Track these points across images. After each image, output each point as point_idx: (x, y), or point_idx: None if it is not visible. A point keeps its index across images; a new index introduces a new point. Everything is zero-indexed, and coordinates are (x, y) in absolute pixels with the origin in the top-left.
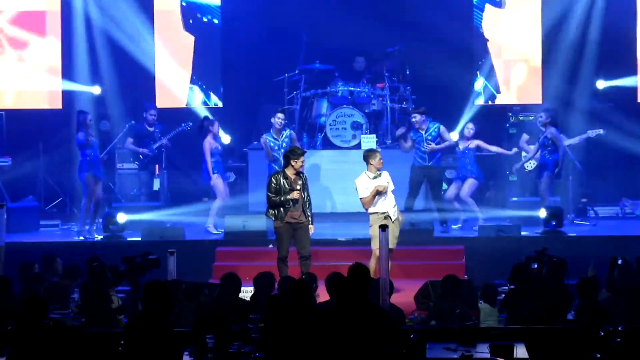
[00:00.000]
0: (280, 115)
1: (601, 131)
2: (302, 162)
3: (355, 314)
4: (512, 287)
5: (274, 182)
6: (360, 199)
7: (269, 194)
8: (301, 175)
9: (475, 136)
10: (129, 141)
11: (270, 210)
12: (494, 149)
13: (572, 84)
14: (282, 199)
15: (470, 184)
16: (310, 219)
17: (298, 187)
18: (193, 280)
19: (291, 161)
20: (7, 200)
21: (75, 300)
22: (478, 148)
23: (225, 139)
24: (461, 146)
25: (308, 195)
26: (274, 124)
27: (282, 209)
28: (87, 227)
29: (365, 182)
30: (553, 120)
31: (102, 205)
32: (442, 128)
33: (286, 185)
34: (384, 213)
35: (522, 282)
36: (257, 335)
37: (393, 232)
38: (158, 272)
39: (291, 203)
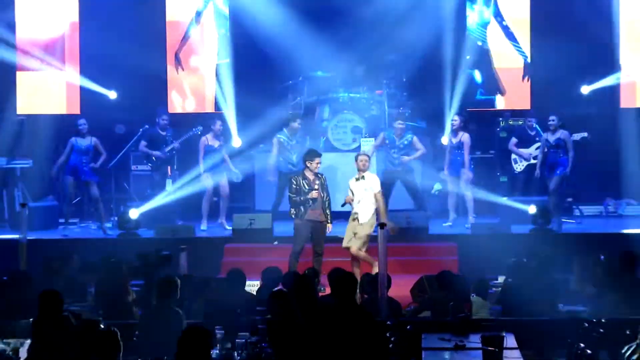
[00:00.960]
0: (298, 120)
1: (586, 134)
2: (318, 163)
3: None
4: (509, 280)
5: (294, 183)
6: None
7: (290, 195)
8: (320, 176)
9: (463, 128)
10: (143, 144)
11: (292, 209)
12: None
13: (558, 90)
14: (302, 198)
15: (466, 178)
16: (329, 217)
17: (316, 187)
18: (203, 275)
19: (307, 162)
20: (29, 200)
21: (91, 294)
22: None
23: (237, 142)
24: (454, 140)
25: (327, 195)
26: (292, 125)
27: (302, 207)
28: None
29: (351, 183)
30: (563, 123)
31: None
32: (415, 138)
33: (305, 186)
34: (355, 214)
35: (519, 277)
36: (263, 327)
37: (356, 232)
38: (170, 267)
39: (311, 202)
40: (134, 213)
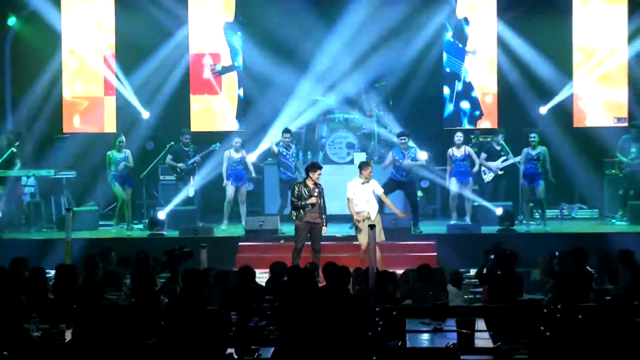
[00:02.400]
0: (287, 134)
1: (518, 158)
2: (319, 174)
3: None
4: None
5: (297, 190)
6: (347, 198)
7: (293, 199)
8: (318, 185)
9: (465, 142)
10: (169, 158)
11: (294, 212)
12: (477, 163)
13: (521, 111)
14: (302, 203)
15: (470, 186)
16: (324, 221)
17: (315, 194)
18: (220, 269)
19: (310, 173)
20: (73, 205)
21: (127, 285)
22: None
23: (252, 157)
24: (458, 153)
25: (324, 202)
26: (283, 139)
27: (302, 210)
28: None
29: (355, 186)
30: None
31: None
32: (418, 150)
33: (306, 193)
34: (367, 213)
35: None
36: (271, 312)
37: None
38: (192, 262)
39: (310, 206)
40: (161, 214)
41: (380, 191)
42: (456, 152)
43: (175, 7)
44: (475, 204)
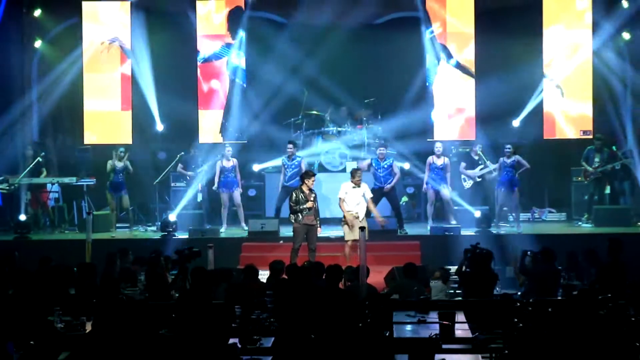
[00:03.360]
0: (290, 145)
1: (495, 166)
2: (313, 181)
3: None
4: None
5: (294, 195)
6: (339, 197)
7: (291, 204)
8: (312, 191)
9: (444, 153)
10: (180, 167)
11: (292, 215)
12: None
13: (496, 124)
14: (300, 207)
15: (448, 192)
16: (319, 222)
17: (311, 199)
18: (226, 267)
19: (305, 180)
20: (93, 209)
21: (141, 281)
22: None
23: (257, 167)
24: (438, 162)
25: (317, 205)
26: (289, 149)
27: (300, 214)
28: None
29: (347, 188)
30: (516, 150)
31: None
32: (394, 163)
33: (302, 198)
34: (356, 213)
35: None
36: (271, 306)
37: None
38: (200, 260)
39: (307, 210)
40: (172, 217)
41: (369, 195)
42: (436, 161)
43: (184, 27)
44: (456, 207)
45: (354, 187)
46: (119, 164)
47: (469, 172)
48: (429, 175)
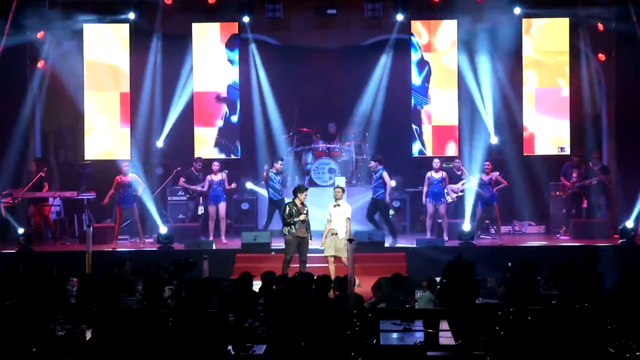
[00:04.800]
0: (280, 162)
1: (474, 181)
2: (305, 195)
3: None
4: (444, 280)
5: (288, 208)
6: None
7: (285, 217)
8: (304, 205)
9: (442, 168)
10: (182, 180)
11: (285, 227)
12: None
13: (477, 141)
14: (293, 220)
15: (445, 205)
16: (309, 235)
17: (304, 212)
18: (219, 277)
19: (298, 194)
20: (93, 222)
21: (139, 291)
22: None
23: (250, 184)
24: (436, 176)
25: (308, 219)
26: (275, 166)
27: (293, 226)
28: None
29: (330, 207)
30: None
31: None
32: (384, 173)
33: (296, 211)
34: (334, 231)
35: (451, 278)
36: (263, 315)
37: (338, 245)
38: (195, 270)
39: (300, 223)
40: (163, 229)
41: (347, 215)
42: (434, 175)
43: (180, 51)
44: (439, 220)
45: (335, 206)
46: (125, 179)
47: (452, 186)
48: (430, 189)
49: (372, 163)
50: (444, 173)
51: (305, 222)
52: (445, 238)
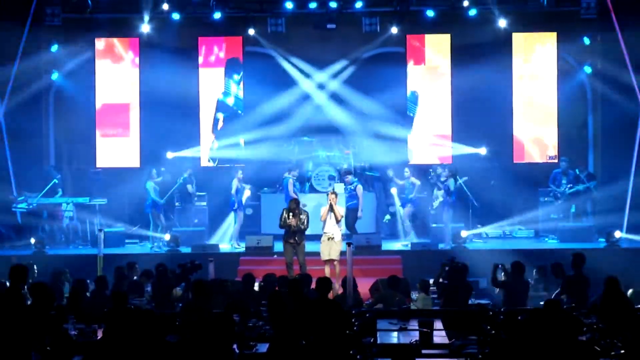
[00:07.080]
0: (298, 170)
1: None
2: (296, 206)
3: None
4: (445, 282)
5: (282, 214)
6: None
7: (280, 222)
8: (301, 212)
9: (413, 175)
10: (189, 187)
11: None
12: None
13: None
14: (286, 226)
15: (408, 208)
16: (298, 239)
17: (291, 220)
18: (225, 279)
19: (290, 203)
20: (104, 226)
21: (148, 292)
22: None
23: (247, 192)
24: (406, 183)
25: (308, 223)
26: (293, 173)
27: (286, 233)
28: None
29: (323, 211)
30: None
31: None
32: (359, 187)
33: (286, 218)
34: (331, 234)
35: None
36: (266, 315)
37: (334, 248)
38: (201, 272)
39: (288, 230)
40: (167, 236)
41: (340, 215)
42: (406, 182)
43: (187, 65)
44: (434, 225)
45: (328, 211)
46: (153, 185)
47: (439, 192)
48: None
49: (349, 177)
50: (413, 179)
51: (297, 228)
52: (412, 239)
